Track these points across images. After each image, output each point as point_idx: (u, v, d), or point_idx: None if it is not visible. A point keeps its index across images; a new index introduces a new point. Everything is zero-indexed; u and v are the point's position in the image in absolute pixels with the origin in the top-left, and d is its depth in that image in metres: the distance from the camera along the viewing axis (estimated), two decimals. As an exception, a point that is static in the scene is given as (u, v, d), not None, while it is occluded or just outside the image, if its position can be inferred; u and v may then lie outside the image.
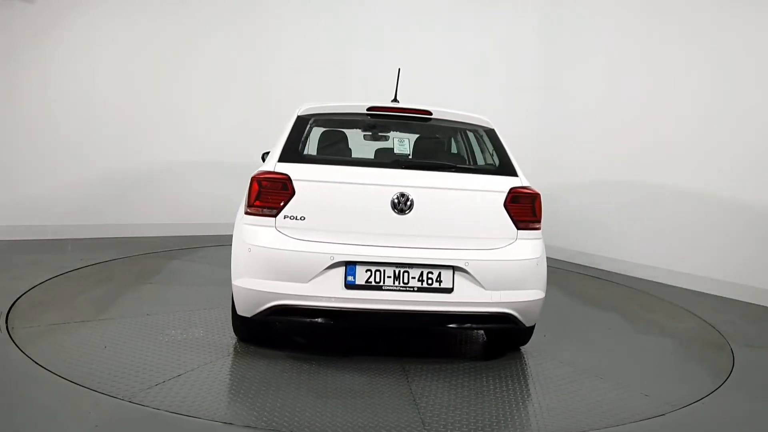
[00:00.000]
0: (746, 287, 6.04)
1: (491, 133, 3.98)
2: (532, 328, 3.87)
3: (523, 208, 3.60)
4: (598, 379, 3.66)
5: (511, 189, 3.59)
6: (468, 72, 8.35)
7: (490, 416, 3.06)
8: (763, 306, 5.87)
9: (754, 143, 6.01)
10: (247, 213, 3.48)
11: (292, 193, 3.41)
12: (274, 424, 2.83)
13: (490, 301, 3.45)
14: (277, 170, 3.47)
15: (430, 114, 3.84)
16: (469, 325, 3.62)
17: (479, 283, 3.42)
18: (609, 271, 7.08)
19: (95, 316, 4.31)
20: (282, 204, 3.40)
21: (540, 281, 3.64)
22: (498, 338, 4.15)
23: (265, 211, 3.42)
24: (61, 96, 6.90)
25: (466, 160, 4.41)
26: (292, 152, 3.60)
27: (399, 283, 3.36)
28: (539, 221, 3.67)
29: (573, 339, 4.44)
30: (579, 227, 7.68)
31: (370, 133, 4.62)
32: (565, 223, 7.83)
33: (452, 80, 8.31)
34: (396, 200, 3.42)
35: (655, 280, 6.71)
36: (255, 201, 3.44)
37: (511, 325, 3.61)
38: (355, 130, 4.49)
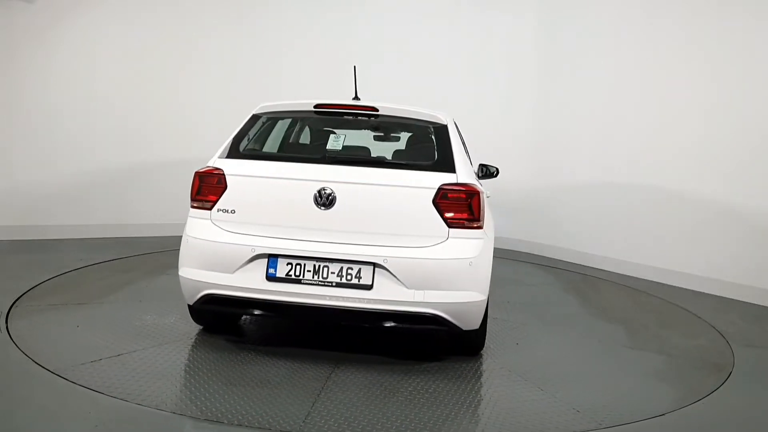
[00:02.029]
0: (746, 287, 6.04)
1: (441, 130, 3.87)
2: (477, 333, 3.69)
3: (456, 206, 3.47)
4: (537, 390, 3.44)
5: (441, 186, 3.47)
6: (468, 72, 8.34)
7: (381, 416, 2.97)
8: (763, 306, 5.87)
9: (756, 144, 6.01)
10: (191, 207, 3.68)
11: (225, 187, 3.55)
12: (162, 404, 2.95)
13: (412, 300, 3.34)
14: (214, 165, 3.66)
15: (377, 110, 3.84)
16: (393, 324, 3.42)
17: (400, 282, 3.34)
18: (609, 271, 7.08)
19: (92, 300, 4.64)
20: (216, 198, 3.56)
21: (476, 283, 3.48)
22: (454, 343, 3.98)
23: (205, 204, 3.59)
24: (61, 96, 6.89)
25: (404, 156, 4.23)
26: (234, 148, 3.78)
27: (318, 277, 3.38)
28: (478, 220, 3.52)
29: (548, 348, 4.23)
30: (579, 227, 7.67)
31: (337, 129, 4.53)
32: (565, 224, 7.84)
33: (452, 81, 8.31)
34: (318, 195, 3.43)
35: (655, 280, 6.71)
36: (196, 195, 3.65)
37: (442, 328, 3.45)
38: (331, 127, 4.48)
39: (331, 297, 3.36)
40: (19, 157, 6.69)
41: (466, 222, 3.48)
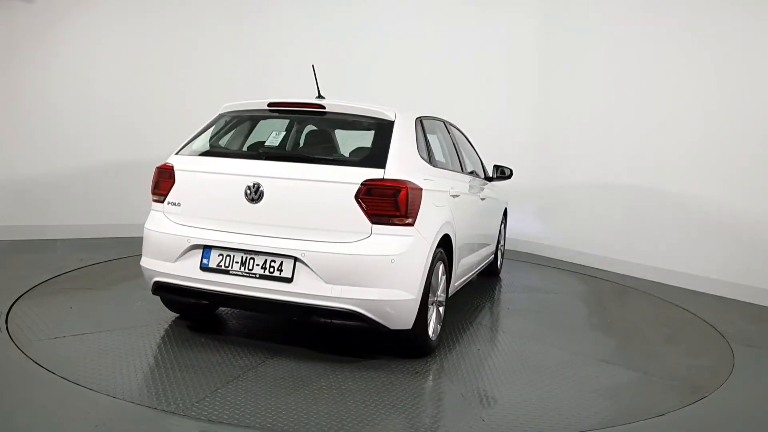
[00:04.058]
0: (746, 287, 6.04)
1: (385, 126, 3.76)
2: (414, 334, 3.58)
3: (381, 202, 3.40)
4: (457, 397, 3.30)
5: (365, 181, 3.42)
6: (468, 72, 8.35)
7: (272, 406, 2.96)
8: (763, 306, 5.88)
9: (756, 145, 6.01)
10: (152, 200, 3.90)
11: (174, 181, 3.78)
12: (81, 380, 3.12)
13: (330, 295, 3.34)
14: (168, 161, 3.87)
15: (323, 108, 3.88)
16: (318, 319, 3.43)
17: (319, 276, 3.35)
18: (608, 271, 7.08)
19: (95, 286, 5.00)
20: (167, 191, 3.78)
21: (400, 281, 3.41)
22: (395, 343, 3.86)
23: (160, 197, 3.83)
24: (61, 96, 6.90)
25: (338, 152, 4.20)
26: (189, 145, 4.00)
27: (244, 269, 3.48)
28: (406, 216, 3.43)
29: (508, 357, 4.02)
30: (579, 227, 7.68)
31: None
32: (565, 223, 7.85)
33: (452, 81, 8.32)
34: (248, 190, 3.53)
35: (655, 280, 6.71)
36: (154, 189, 3.87)
37: (363, 324, 3.40)
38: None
39: (254, 288, 3.45)
40: (19, 158, 6.69)
41: (392, 218, 3.42)
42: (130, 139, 7.34)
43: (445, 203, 3.98)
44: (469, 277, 5.07)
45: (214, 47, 7.79)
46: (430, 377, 3.56)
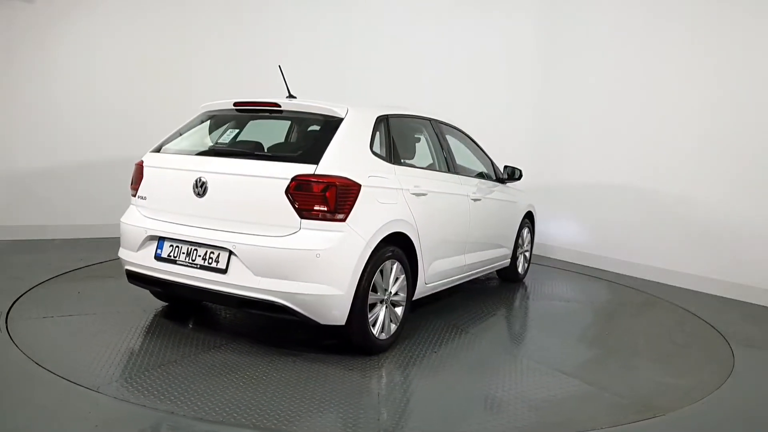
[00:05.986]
0: (746, 287, 6.04)
1: (333, 122, 3.78)
2: (353, 330, 3.60)
3: (310, 197, 3.43)
4: (374, 396, 3.26)
5: (296, 176, 3.45)
6: (468, 72, 8.34)
7: (185, 389, 3.06)
8: (763, 306, 5.88)
9: (757, 145, 6.00)
10: (131, 195, 4.14)
11: (143, 177, 4.03)
12: (28, 350, 3.40)
13: (258, 287, 3.43)
14: (142, 158, 4.11)
15: (279, 106, 3.99)
16: (249, 309, 3.61)
17: (248, 268, 3.46)
18: (608, 271, 7.08)
19: (95, 280, 5.22)
20: (138, 186, 4.04)
21: (328, 276, 3.42)
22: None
23: (134, 192, 4.09)
24: (61, 96, 6.90)
25: (280, 148, 4.23)
26: (164, 143, 4.19)
27: (189, 259, 3.68)
28: (335, 212, 3.45)
29: (463, 362, 3.84)
30: (579, 227, 7.68)
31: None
32: (565, 223, 7.84)
33: (452, 81, 8.31)
34: (195, 184, 3.71)
35: (655, 280, 6.71)
36: (131, 184, 4.14)
37: (292, 317, 3.46)
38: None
39: (196, 278, 3.63)
40: (19, 158, 6.69)
41: (321, 213, 3.44)
42: (131, 139, 7.30)
43: (397, 201, 3.93)
44: (458, 279, 4.91)
45: (216, 45, 7.79)
46: (360, 375, 3.49)
